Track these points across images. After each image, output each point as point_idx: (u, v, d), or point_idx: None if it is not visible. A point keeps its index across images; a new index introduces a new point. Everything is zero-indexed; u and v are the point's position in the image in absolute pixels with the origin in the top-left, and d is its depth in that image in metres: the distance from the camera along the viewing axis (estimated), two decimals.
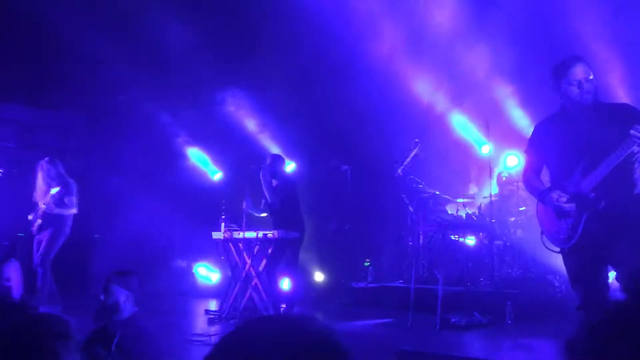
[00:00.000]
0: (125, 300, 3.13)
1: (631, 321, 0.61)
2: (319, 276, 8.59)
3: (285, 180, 7.11)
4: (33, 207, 7.37)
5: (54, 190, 7.14)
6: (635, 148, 3.25)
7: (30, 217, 7.37)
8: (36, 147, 9.93)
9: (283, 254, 6.79)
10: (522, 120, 7.83)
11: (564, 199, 3.42)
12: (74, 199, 7.30)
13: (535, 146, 3.74)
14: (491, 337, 5.72)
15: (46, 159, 7.38)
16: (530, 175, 3.74)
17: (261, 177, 6.88)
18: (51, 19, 7.64)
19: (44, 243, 7.19)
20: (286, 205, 6.95)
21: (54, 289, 7.15)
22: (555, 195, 3.44)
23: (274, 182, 6.99)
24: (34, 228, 7.30)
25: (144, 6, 7.69)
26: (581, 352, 0.65)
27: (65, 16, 7.60)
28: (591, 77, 3.48)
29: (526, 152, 3.83)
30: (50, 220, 7.22)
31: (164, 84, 8.69)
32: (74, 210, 7.35)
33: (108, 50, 8.18)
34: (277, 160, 7.15)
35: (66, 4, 7.74)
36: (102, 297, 3.15)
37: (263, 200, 7.12)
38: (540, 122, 3.80)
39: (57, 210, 7.19)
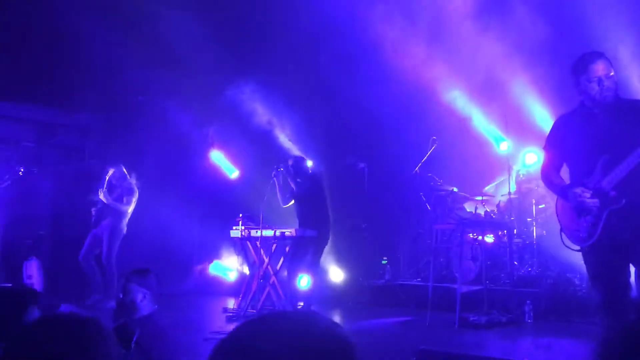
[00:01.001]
0: (142, 298, 3.16)
1: None
2: (336, 274, 8.58)
3: (310, 177, 7.18)
4: (96, 204, 8.01)
5: (109, 174, 7.91)
6: None
7: (92, 211, 8.03)
8: (56, 146, 10.05)
9: (305, 253, 6.79)
10: (541, 117, 7.74)
11: (588, 195, 3.36)
12: (132, 198, 7.95)
13: (555, 142, 3.69)
14: (511, 337, 5.67)
15: (110, 164, 8.08)
16: (550, 171, 3.69)
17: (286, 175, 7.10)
18: (71, 21, 7.72)
19: (104, 243, 7.80)
20: (309, 203, 6.98)
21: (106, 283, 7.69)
22: (578, 190, 3.39)
23: (298, 181, 7.10)
24: (94, 226, 7.96)
25: (161, 7, 7.74)
26: (616, 356, 0.63)
27: (84, 18, 7.68)
28: (612, 73, 3.42)
29: (545, 148, 3.77)
30: (106, 213, 7.86)
31: (182, 83, 8.73)
32: (130, 207, 7.95)
33: (127, 51, 8.25)
34: (299, 161, 7.24)
35: (85, 7, 7.82)
36: (120, 296, 3.19)
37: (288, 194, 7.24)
38: (560, 117, 3.74)
39: (112, 204, 7.83)
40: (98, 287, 7.68)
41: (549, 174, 3.69)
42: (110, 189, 7.97)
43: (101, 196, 7.84)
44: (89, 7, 7.86)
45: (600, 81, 3.37)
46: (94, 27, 7.74)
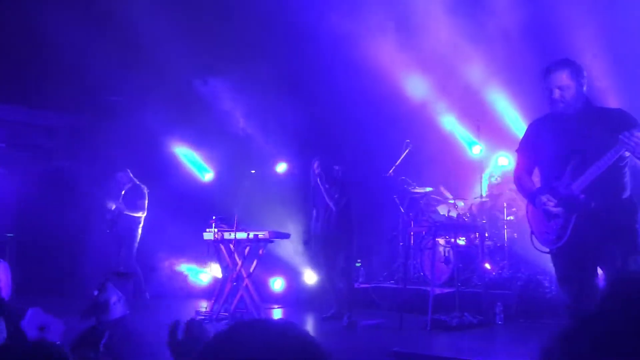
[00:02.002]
0: (116, 301, 3.11)
1: (604, 330, 0.60)
2: (310, 277, 8.58)
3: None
4: (107, 211, 8.26)
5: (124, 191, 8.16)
6: (625, 153, 3.27)
7: (107, 217, 8.22)
8: (26, 147, 9.87)
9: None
10: (513, 121, 7.86)
11: (552, 203, 3.44)
12: (145, 202, 8.23)
13: (527, 146, 3.76)
14: (482, 338, 5.73)
15: (118, 169, 8.30)
16: (522, 175, 3.76)
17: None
18: (41, 20, 7.59)
19: (125, 246, 8.09)
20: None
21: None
22: (544, 198, 3.46)
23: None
24: (109, 230, 8.20)
25: (132, 6, 7.65)
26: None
27: (55, 17, 7.56)
28: (576, 82, 3.48)
29: (518, 151, 3.84)
30: (123, 222, 8.11)
31: (154, 84, 8.65)
32: (143, 213, 8.24)
33: (97, 50, 8.14)
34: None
35: (56, 6, 7.70)
36: (95, 293, 3.13)
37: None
38: (533, 122, 3.82)
39: (127, 211, 8.10)
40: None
41: (520, 178, 3.76)
42: (120, 195, 8.21)
43: (113, 207, 8.13)
44: (59, 6, 7.73)
45: (551, 92, 3.45)
46: (64, 26, 7.61)
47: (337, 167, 8.88)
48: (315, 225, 7.04)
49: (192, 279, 9.30)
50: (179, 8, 8.20)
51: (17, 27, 7.98)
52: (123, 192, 8.23)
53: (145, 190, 8.24)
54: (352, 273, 7.03)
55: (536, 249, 3.69)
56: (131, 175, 8.28)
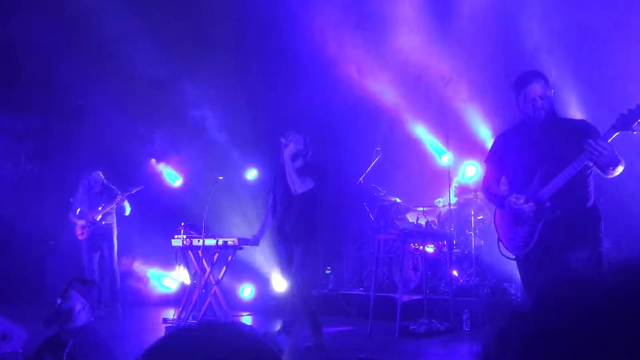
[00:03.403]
0: (81, 309, 3.06)
1: (536, 330, 0.62)
2: (279, 284, 8.55)
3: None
4: (71, 211, 7.94)
5: (109, 204, 7.88)
6: (589, 162, 3.37)
7: (80, 223, 7.89)
8: None
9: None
10: (481, 131, 7.99)
11: (522, 200, 3.51)
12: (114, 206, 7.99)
13: (496, 157, 3.84)
14: (449, 345, 5.79)
15: (88, 171, 8.00)
16: (490, 184, 3.84)
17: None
18: (8, 24, 7.46)
19: (107, 254, 7.90)
20: None
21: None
22: (513, 198, 3.54)
23: None
24: (85, 237, 7.89)
25: (102, 10, 7.57)
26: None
27: (22, 22, 7.44)
28: (549, 93, 3.59)
29: (486, 161, 3.93)
30: (101, 228, 7.89)
31: (124, 88, 8.56)
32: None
33: (66, 54, 8.02)
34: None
35: (24, 9, 7.57)
36: (58, 301, 3.06)
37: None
38: (502, 133, 3.92)
39: (108, 219, 7.94)
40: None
41: (489, 186, 3.84)
42: (94, 196, 7.95)
43: (97, 217, 7.90)
44: (27, 11, 7.61)
45: (534, 102, 3.54)
46: (32, 30, 7.50)
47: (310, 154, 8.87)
48: (271, 217, 5.90)
49: (159, 285, 9.18)
50: (149, 12, 8.14)
51: None
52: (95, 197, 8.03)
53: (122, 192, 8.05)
54: (308, 274, 5.52)
55: (503, 255, 3.77)
56: (102, 176, 8.07)
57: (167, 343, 0.85)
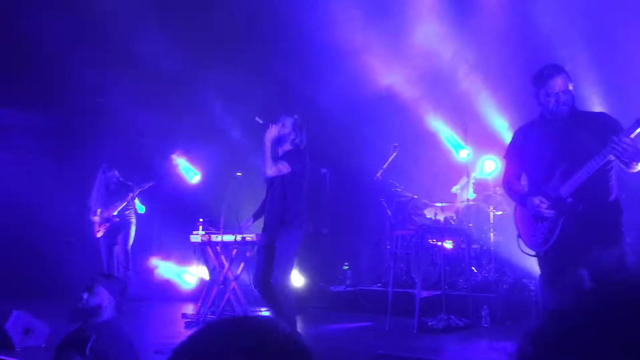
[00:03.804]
0: (107, 304, 3.09)
1: (572, 328, 0.62)
2: (297, 279, 8.57)
3: None
4: (90, 211, 7.97)
5: (126, 200, 7.85)
6: (610, 157, 3.32)
7: (96, 219, 7.91)
8: (10, 147, 9.77)
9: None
10: (500, 126, 7.92)
11: (545, 205, 3.47)
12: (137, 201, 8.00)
13: (515, 152, 3.80)
14: (468, 341, 5.76)
15: (104, 165, 8.00)
16: (510, 179, 3.81)
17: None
18: (27, 21, 7.54)
19: (121, 249, 7.87)
20: None
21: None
22: (537, 200, 3.50)
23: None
24: (102, 234, 7.91)
25: (119, 6, 7.62)
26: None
27: (41, 18, 7.51)
28: (570, 87, 3.54)
29: (505, 157, 3.89)
30: (121, 224, 7.89)
31: (142, 85, 8.61)
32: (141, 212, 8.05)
33: (84, 51, 8.09)
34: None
35: (42, 7, 7.65)
36: (84, 297, 3.09)
37: None
38: (520, 128, 3.86)
39: (125, 214, 7.89)
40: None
41: (509, 182, 3.80)
42: (110, 194, 7.95)
43: (113, 212, 7.86)
44: (46, 10, 7.68)
45: (557, 96, 3.49)
46: (51, 26, 7.57)
47: (324, 170, 8.89)
48: (262, 207, 5.63)
49: (178, 281, 9.25)
50: (167, 8, 8.18)
51: (4, 31, 7.92)
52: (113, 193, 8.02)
53: (137, 189, 7.98)
54: (285, 264, 5.14)
55: (523, 252, 3.73)
56: (117, 174, 8.07)
57: (201, 336, 0.86)
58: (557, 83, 3.50)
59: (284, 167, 5.15)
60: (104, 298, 3.11)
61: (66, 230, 9.21)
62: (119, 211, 7.89)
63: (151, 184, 7.95)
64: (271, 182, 5.28)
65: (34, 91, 8.90)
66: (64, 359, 2.99)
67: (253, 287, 5.34)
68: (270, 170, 5.11)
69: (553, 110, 3.53)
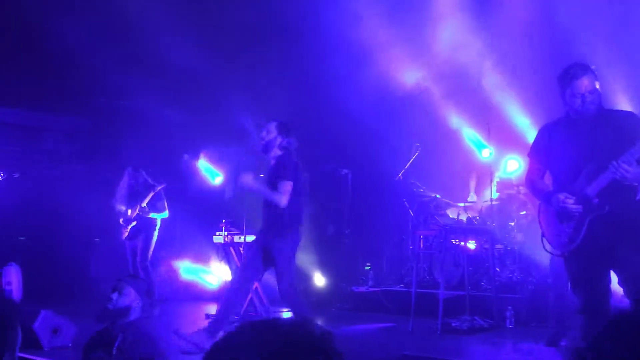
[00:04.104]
0: (135, 305, 3.13)
1: (635, 331, 0.61)
2: (319, 280, 8.58)
3: None
4: (118, 213, 7.77)
5: (147, 197, 7.55)
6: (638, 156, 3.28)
7: (121, 221, 7.72)
8: (41, 151, 9.95)
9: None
10: (523, 125, 7.83)
11: (571, 201, 3.43)
12: (164, 203, 7.71)
13: (539, 150, 3.76)
14: (492, 342, 5.71)
15: (129, 168, 7.78)
16: (534, 178, 3.77)
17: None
18: (57, 27, 7.66)
19: (139, 250, 7.56)
20: None
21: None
22: (562, 196, 3.46)
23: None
24: (125, 234, 7.67)
25: (146, 10, 7.71)
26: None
27: (70, 22, 7.63)
28: (597, 86, 3.49)
29: (529, 155, 3.84)
30: (143, 225, 7.60)
31: (168, 88, 8.70)
32: (164, 215, 7.73)
33: (111, 56, 8.20)
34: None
35: (70, 11, 7.77)
36: (113, 297, 3.14)
37: None
38: (545, 125, 3.82)
39: (148, 214, 7.58)
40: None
41: (532, 180, 3.76)
42: (133, 195, 7.70)
43: (136, 211, 7.57)
44: (74, 12, 7.81)
45: (583, 96, 3.45)
46: (80, 32, 7.69)
47: (345, 171, 8.87)
48: None
49: (201, 282, 9.32)
50: (191, 10, 8.25)
51: (34, 35, 8.06)
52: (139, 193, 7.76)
53: (162, 190, 7.72)
54: (290, 280, 5.13)
55: (547, 251, 3.70)
56: (145, 175, 7.82)
57: (232, 339, 0.86)
58: (583, 83, 3.45)
59: (288, 186, 5.07)
60: (132, 299, 3.15)
61: (93, 232, 9.34)
62: (140, 212, 7.69)
63: (162, 186, 7.71)
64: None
65: (64, 95, 9.03)
66: (91, 358, 3.03)
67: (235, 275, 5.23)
68: (283, 201, 5.03)
69: (579, 110, 3.49)
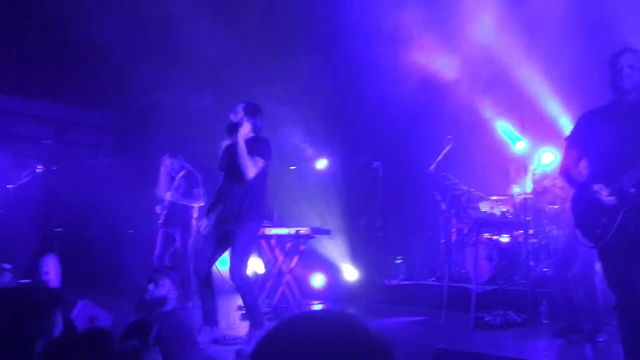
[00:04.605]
0: (171, 296, 3.17)
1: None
2: (350, 273, 8.58)
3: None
4: (158, 201, 7.58)
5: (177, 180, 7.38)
6: None
7: (157, 209, 7.57)
8: (74, 144, 10.16)
9: None
10: (559, 116, 7.67)
11: (606, 192, 3.36)
12: (201, 191, 7.46)
13: (578, 137, 3.69)
14: (526, 337, 5.63)
15: (165, 155, 7.55)
16: (570, 166, 3.70)
17: None
18: (88, 20, 7.78)
19: (179, 239, 7.35)
20: None
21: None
22: (597, 187, 3.38)
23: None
24: (161, 220, 7.49)
25: (177, 4, 7.77)
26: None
27: (101, 17, 7.75)
28: (637, 67, 3.45)
29: (566, 140, 3.78)
30: (177, 212, 7.39)
31: (199, 81, 8.76)
32: (201, 202, 7.44)
33: (143, 48, 8.30)
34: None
35: (102, 6, 7.89)
36: (150, 288, 3.18)
37: None
38: (586, 113, 3.74)
39: (183, 201, 7.37)
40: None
41: (568, 169, 3.70)
42: (174, 183, 7.50)
43: (168, 197, 7.40)
44: (106, 8, 7.92)
45: (622, 70, 3.43)
46: (111, 28, 7.79)
47: (377, 163, 8.81)
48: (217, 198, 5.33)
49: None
50: (220, 6, 8.29)
51: (68, 31, 8.20)
52: (176, 180, 7.59)
53: (199, 177, 7.57)
54: (242, 264, 4.87)
55: (579, 242, 3.63)
56: (183, 161, 7.61)
57: (283, 331, 0.86)
58: (624, 57, 3.46)
59: (260, 162, 4.99)
60: (168, 290, 3.19)
61: (127, 223, 9.49)
62: (172, 198, 7.48)
63: (182, 173, 7.54)
64: (232, 174, 5.06)
65: (93, 89, 9.18)
66: (127, 347, 3.07)
67: (196, 276, 4.78)
68: (252, 171, 4.94)
69: (618, 86, 3.44)
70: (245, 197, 4.97)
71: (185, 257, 7.41)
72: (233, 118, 5.18)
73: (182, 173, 7.50)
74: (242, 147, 4.92)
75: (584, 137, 3.64)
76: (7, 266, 7.11)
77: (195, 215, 7.51)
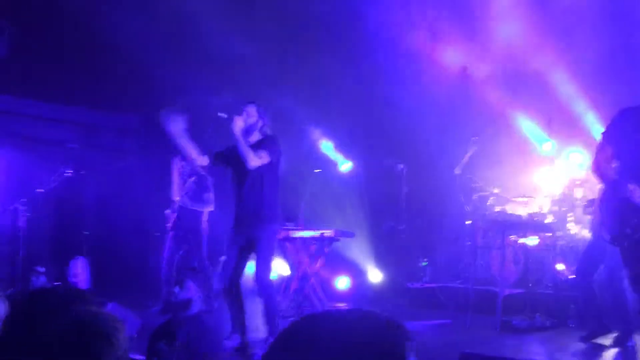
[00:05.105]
0: (196, 298, 3.21)
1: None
2: (375, 276, 8.56)
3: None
4: (170, 204, 7.52)
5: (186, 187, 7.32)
6: None
7: (167, 212, 7.52)
8: (98, 147, 10.30)
9: None
10: (586, 116, 7.55)
11: (639, 193, 3.32)
12: (212, 195, 7.39)
13: (613, 134, 3.66)
14: (554, 341, 5.56)
15: (177, 157, 7.40)
16: (602, 162, 3.66)
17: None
18: (112, 23, 7.90)
19: (193, 244, 7.26)
20: None
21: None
22: (631, 186, 3.35)
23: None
24: (170, 224, 7.43)
25: (201, 5, 7.84)
26: None
27: (125, 19, 7.85)
28: None
29: (603, 135, 3.74)
30: (187, 216, 7.31)
31: (223, 83, 8.83)
32: (211, 207, 7.42)
33: (166, 50, 8.38)
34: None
35: (126, 8, 8.00)
36: (176, 291, 3.22)
37: None
38: (626, 109, 3.70)
39: (193, 206, 7.30)
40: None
41: (600, 165, 3.67)
42: (184, 187, 7.43)
43: (177, 200, 7.34)
44: (130, 8, 8.03)
45: None
46: (134, 31, 7.89)
47: (401, 166, 8.77)
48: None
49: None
50: (247, 7, 8.34)
51: (91, 35, 8.34)
52: (186, 184, 7.47)
53: (210, 181, 7.46)
54: (267, 269, 4.92)
55: (604, 240, 3.60)
56: (194, 165, 7.29)
57: (304, 326, 0.87)
58: None
59: (265, 157, 4.92)
60: (193, 292, 3.22)
61: (153, 226, 9.58)
62: (181, 203, 7.37)
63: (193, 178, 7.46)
64: (243, 174, 5.00)
65: (116, 92, 9.30)
66: (154, 349, 3.12)
67: (220, 285, 4.82)
68: (254, 161, 4.86)
69: None
70: (259, 198, 4.94)
71: (202, 259, 7.29)
72: (247, 121, 5.10)
73: (193, 178, 7.41)
74: (239, 138, 4.89)
75: (619, 134, 3.60)
76: (41, 269, 7.25)
77: (205, 219, 7.43)
